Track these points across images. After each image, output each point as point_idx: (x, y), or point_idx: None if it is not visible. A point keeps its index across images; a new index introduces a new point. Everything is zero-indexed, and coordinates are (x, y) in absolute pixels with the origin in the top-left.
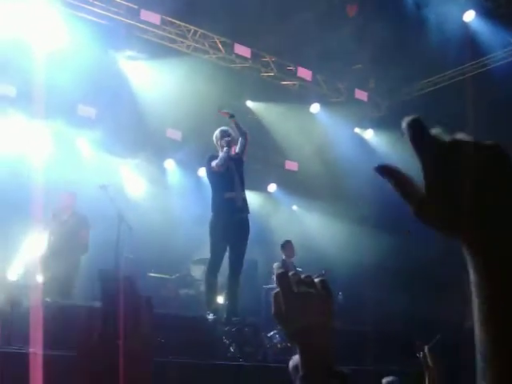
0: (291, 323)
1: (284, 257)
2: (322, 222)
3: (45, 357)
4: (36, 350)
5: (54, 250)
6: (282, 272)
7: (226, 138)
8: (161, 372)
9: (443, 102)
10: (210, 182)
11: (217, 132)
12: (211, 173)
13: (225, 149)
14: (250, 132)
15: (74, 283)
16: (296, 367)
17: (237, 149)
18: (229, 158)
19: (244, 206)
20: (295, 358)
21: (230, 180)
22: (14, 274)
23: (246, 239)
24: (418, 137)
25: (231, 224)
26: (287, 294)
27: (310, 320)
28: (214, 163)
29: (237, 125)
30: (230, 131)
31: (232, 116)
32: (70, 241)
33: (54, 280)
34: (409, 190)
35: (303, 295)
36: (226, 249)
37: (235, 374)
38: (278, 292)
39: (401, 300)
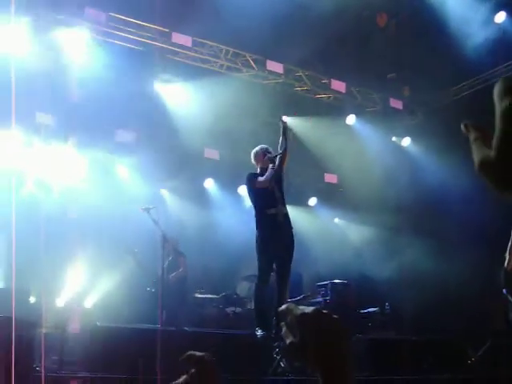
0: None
1: None
2: (364, 233)
3: (96, 381)
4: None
5: None
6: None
7: (269, 155)
8: None
9: (480, 105)
10: (252, 199)
11: (257, 150)
12: (253, 190)
13: (271, 165)
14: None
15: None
16: None
17: (276, 162)
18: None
19: (286, 221)
20: None
21: (271, 196)
22: (62, 300)
23: (291, 254)
24: None
25: (275, 240)
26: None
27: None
28: (260, 180)
29: (287, 136)
30: (270, 149)
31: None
32: None
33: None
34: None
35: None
36: (272, 264)
37: None
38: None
39: (446, 307)
